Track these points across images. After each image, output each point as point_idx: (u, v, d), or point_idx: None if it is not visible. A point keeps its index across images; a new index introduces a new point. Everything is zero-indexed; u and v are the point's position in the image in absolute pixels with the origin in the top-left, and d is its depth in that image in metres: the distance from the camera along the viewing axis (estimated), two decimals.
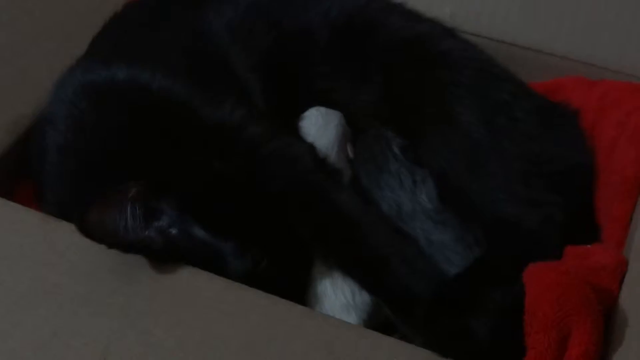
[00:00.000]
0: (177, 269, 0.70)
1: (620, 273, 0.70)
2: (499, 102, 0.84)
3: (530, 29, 0.99)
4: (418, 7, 0.96)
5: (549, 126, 0.85)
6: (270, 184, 0.77)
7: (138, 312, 0.67)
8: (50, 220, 0.73)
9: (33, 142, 0.82)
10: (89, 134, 0.78)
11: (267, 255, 0.74)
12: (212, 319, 0.67)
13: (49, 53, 0.90)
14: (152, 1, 0.96)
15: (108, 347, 0.65)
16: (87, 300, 0.68)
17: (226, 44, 0.89)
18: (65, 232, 0.71)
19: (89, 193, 0.69)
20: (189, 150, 0.76)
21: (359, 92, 0.91)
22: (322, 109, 0.89)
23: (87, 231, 0.67)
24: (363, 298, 0.77)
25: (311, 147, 0.84)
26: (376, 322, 0.76)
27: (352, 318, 0.76)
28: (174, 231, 0.72)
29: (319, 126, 0.87)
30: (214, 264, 0.72)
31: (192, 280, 0.69)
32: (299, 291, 0.77)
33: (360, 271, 0.76)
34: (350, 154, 0.89)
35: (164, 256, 0.71)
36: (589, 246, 0.74)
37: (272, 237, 0.76)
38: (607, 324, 0.66)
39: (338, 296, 0.77)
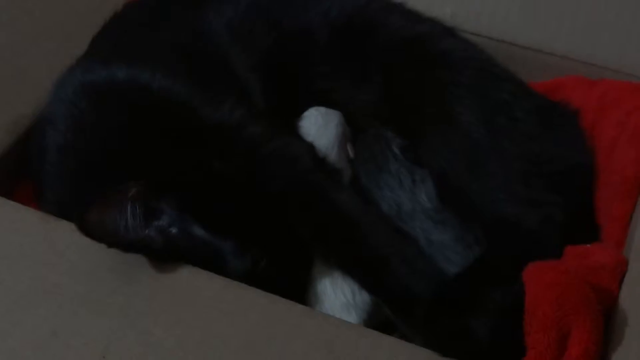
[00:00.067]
0: (177, 268, 0.70)
1: (620, 273, 0.70)
2: (499, 102, 0.84)
3: (530, 29, 0.99)
4: (418, 6, 0.96)
5: (549, 126, 0.85)
6: (270, 184, 0.77)
7: (138, 312, 0.67)
8: (50, 219, 0.73)
9: (33, 141, 0.82)
10: (89, 134, 0.78)
11: (266, 255, 0.74)
12: (211, 318, 0.67)
13: (49, 53, 0.90)
14: (152, 1, 0.96)
15: (108, 346, 0.65)
16: (87, 299, 0.68)
17: (226, 43, 0.89)
18: (65, 232, 0.71)
19: (89, 192, 0.69)
20: (188, 149, 0.76)
21: (359, 92, 0.91)
22: (322, 109, 0.89)
23: (87, 230, 0.67)
24: (363, 297, 0.77)
25: (311, 147, 0.84)
26: (376, 321, 0.76)
27: (352, 317, 0.76)
28: (173, 230, 0.72)
29: (319, 126, 0.87)
30: (214, 263, 0.72)
31: (192, 280, 0.69)
32: (298, 290, 0.77)
33: (360, 271, 0.76)
34: (351, 154, 0.89)
35: (164, 255, 0.71)
36: (588, 246, 0.74)
37: (271, 236, 0.76)
38: (607, 323, 0.66)
39: (338, 295, 0.77)
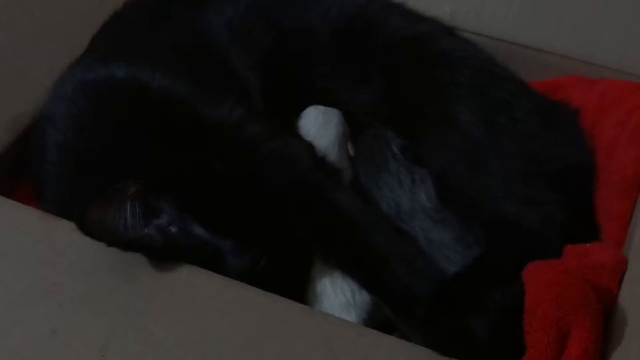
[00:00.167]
0: (177, 267, 0.70)
1: (620, 272, 0.70)
2: (499, 101, 0.84)
3: (530, 28, 0.99)
4: (418, 6, 0.96)
5: (549, 125, 0.85)
6: (269, 184, 0.77)
7: (137, 311, 0.67)
8: (50, 218, 0.73)
9: (32, 140, 0.82)
10: (89, 133, 0.78)
11: (266, 254, 0.74)
12: (211, 317, 0.67)
13: (49, 52, 0.90)
14: (152, 1, 0.96)
15: (107, 345, 0.65)
16: (86, 298, 0.68)
17: (226, 43, 0.89)
18: (65, 231, 0.71)
19: (88, 191, 0.69)
20: (188, 149, 0.76)
21: (359, 92, 0.91)
22: (321, 108, 0.89)
23: (87, 229, 0.67)
24: (363, 297, 0.77)
25: (310, 147, 0.84)
26: (376, 321, 0.76)
27: (351, 317, 0.76)
28: (173, 229, 0.72)
29: (319, 125, 0.87)
30: (214, 263, 0.72)
31: (191, 279, 0.69)
32: (298, 290, 0.77)
33: (360, 271, 0.76)
34: (351, 152, 0.89)
35: (164, 254, 0.71)
36: (588, 245, 0.74)
37: (271, 235, 0.76)
38: (607, 322, 0.66)
39: (338, 295, 0.77)
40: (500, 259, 0.75)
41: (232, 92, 0.84)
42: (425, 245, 0.80)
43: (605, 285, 0.68)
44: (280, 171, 0.79)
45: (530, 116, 0.84)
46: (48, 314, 0.67)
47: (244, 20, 0.91)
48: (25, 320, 0.67)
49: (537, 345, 0.63)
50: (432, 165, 0.83)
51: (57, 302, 0.68)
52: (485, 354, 0.66)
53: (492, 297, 0.69)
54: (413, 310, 0.71)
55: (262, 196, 0.76)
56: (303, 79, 0.91)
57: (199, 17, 0.91)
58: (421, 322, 0.69)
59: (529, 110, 0.84)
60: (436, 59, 0.88)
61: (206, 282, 0.69)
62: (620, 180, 0.81)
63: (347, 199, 0.79)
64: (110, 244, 0.68)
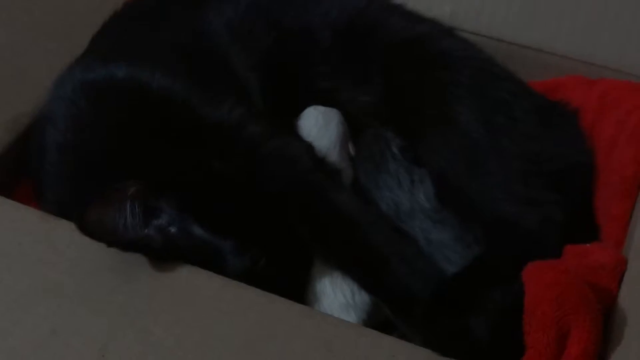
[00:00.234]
0: (177, 267, 0.70)
1: (620, 272, 0.70)
2: (499, 102, 0.84)
3: (530, 28, 0.99)
4: (418, 6, 0.96)
5: (548, 125, 0.85)
6: (269, 184, 0.77)
7: (137, 311, 0.67)
8: (50, 218, 0.73)
9: (32, 140, 0.82)
10: (89, 133, 0.78)
11: (266, 254, 0.74)
12: (211, 317, 0.67)
13: (49, 52, 0.90)
14: (152, 0, 0.96)
15: (107, 345, 0.65)
16: (86, 298, 0.68)
17: (226, 43, 0.89)
18: (65, 231, 0.71)
19: (88, 192, 0.69)
20: (188, 149, 0.76)
21: (359, 93, 0.91)
22: (321, 108, 0.89)
23: (87, 229, 0.67)
24: (362, 297, 0.77)
25: (310, 147, 0.84)
26: (375, 321, 0.76)
27: (351, 317, 0.76)
28: (173, 229, 0.72)
29: (320, 125, 0.87)
30: (213, 263, 0.72)
31: (191, 279, 0.69)
32: (298, 290, 0.77)
33: (359, 271, 0.76)
34: (352, 152, 0.89)
35: (163, 254, 0.71)
36: (588, 245, 0.74)
37: (271, 235, 0.76)
38: (606, 322, 0.66)
39: (337, 295, 0.77)
40: (499, 259, 0.75)
41: (232, 92, 0.84)
42: (425, 246, 0.80)
43: (605, 286, 0.68)
44: (280, 171, 0.79)
45: (530, 116, 0.84)
46: (48, 314, 0.67)
47: (244, 20, 0.91)
48: (25, 320, 0.67)
49: (537, 346, 0.63)
50: (432, 166, 0.83)
51: (57, 302, 0.68)
52: (485, 354, 0.66)
53: (492, 297, 0.69)
54: (413, 311, 0.71)
55: (261, 196, 0.76)
56: (303, 79, 0.92)
57: (199, 17, 0.91)
58: (421, 322, 0.69)
59: (529, 111, 0.84)
60: (436, 60, 0.88)
61: (206, 282, 0.69)
62: (620, 180, 0.81)
63: (346, 199, 0.79)
64: (110, 244, 0.68)
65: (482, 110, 0.83)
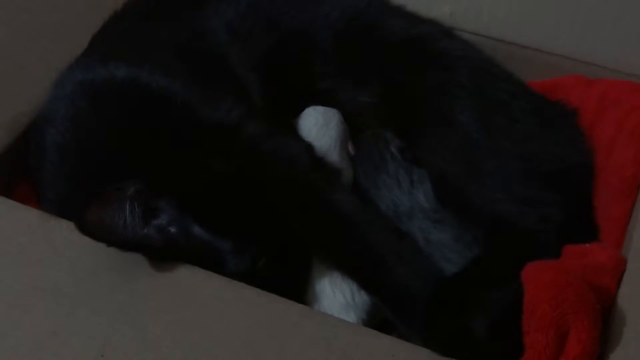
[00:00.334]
0: (176, 267, 0.70)
1: (619, 272, 0.70)
2: (498, 102, 0.84)
3: (529, 28, 0.99)
4: (418, 6, 0.96)
5: (547, 126, 0.85)
6: (268, 184, 0.77)
7: (137, 310, 0.67)
8: (50, 218, 0.73)
9: (32, 140, 0.82)
10: (88, 133, 0.78)
11: (265, 254, 0.74)
12: (210, 317, 0.67)
13: (48, 51, 0.90)
14: (152, 0, 0.96)
15: (106, 345, 0.65)
16: (86, 298, 0.68)
17: (226, 43, 0.89)
18: (64, 231, 0.71)
19: (88, 192, 0.69)
20: (187, 149, 0.76)
21: (359, 93, 0.91)
22: (320, 108, 0.89)
23: (86, 229, 0.67)
24: (362, 297, 0.77)
25: (309, 147, 0.84)
26: (375, 321, 0.76)
27: (350, 317, 0.76)
28: (172, 229, 0.72)
29: (320, 125, 0.87)
30: (213, 262, 0.72)
31: (190, 279, 0.69)
32: (297, 290, 0.77)
33: (359, 271, 0.76)
34: (351, 152, 0.89)
35: (163, 254, 0.71)
36: (587, 245, 0.74)
37: (270, 235, 0.76)
38: (606, 322, 0.66)
39: (337, 295, 0.77)
40: (499, 259, 0.75)
41: (231, 92, 0.84)
42: (424, 246, 0.80)
43: (604, 286, 0.68)
44: (280, 171, 0.79)
45: (529, 117, 0.84)
46: (48, 314, 0.67)
47: (244, 21, 0.91)
48: (24, 320, 0.67)
49: (536, 345, 0.63)
50: (431, 166, 0.83)
51: (56, 302, 0.68)
52: (484, 354, 0.66)
53: (491, 297, 0.69)
54: (412, 311, 0.71)
55: (261, 196, 0.76)
56: (303, 80, 0.92)
57: (199, 17, 0.91)
58: (420, 322, 0.69)
59: (528, 111, 0.84)
60: (435, 60, 0.88)
61: (206, 282, 0.69)
62: (619, 181, 0.81)
63: (346, 199, 0.79)
64: (109, 244, 0.68)
65: (481, 111, 0.83)
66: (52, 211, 0.75)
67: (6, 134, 0.83)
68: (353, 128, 0.91)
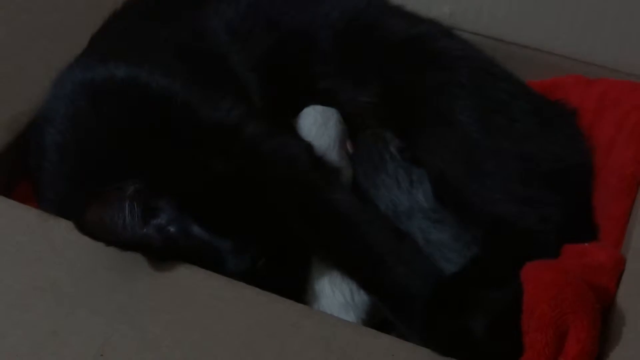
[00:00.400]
0: (176, 267, 0.70)
1: (618, 271, 0.70)
2: (497, 102, 0.85)
3: (529, 28, 0.99)
4: (418, 5, 0.96)
5: (547, 125, 0.85)
6: (268, 183, 0.77)
7: (136, 310, 0.67)
8: (49, 218, 0.73)
9: (31, 140, 0.82)
10: (88, 132, 0.78)
11: (265, 254, 0.74)
12: (210, 316, 0.67)
13: (48, 51, 0.90)
14: (152, 0, 0.96)
15: (106, 345, 0.65)
16: (85, 297, 0.68)
17: (226, 43, 0.90)
18: (64, 230, 0.71)
19: (87, 191, 0.69)
20: (187, 149, 0.76)
21: (358, 93, 0.91)
22: (319, 107, 0.89)
23: (86, 229, 0.67)
24: (361, 297, 0.77)
25: (309, 146, 0.84)
26: (374, 321, 0.76)
27: (350, 317, 0.76)
28: (172, 229, 0.72)
29: (319, 125, 0.88)
30: (213, 262, 0.72)
31: (190, 278, 0.69)
32: (297, 289, 0.77)
33: (358, 270, 0.76)
34: (350, 150, 0.89)
35: (163, 254, 0.71)
36: (586, 245, 0.74)
37: (270, 235, 0.76)
38: (605, 322, 0.66)
39: (336, 295, 0.77)
40: (498, 259, 0.75)
41: (231, 92, 0.84)
42: (424, 246, 0.80)
43: (604, 285, 0.68)
44: (279, 171, 0.79)
45: (529, 116, 0.84)
46: (47, 314, 0.67)
47: (244, 21, 0.91)
48: (24, 319, 0.67)
49: (536, 345, 0.63)
50: (431, 166, 0.83)
51: (56, 301, 0.68)
52: (484, 354, 0.66)
53: (491, 297, 0.69)
54: (411, 310, 0.71)
55: (260, 196, 0.76)
56: (303, 80, 0.92)
57: (199, 17, 0.91)
58: (420, 322, 0.69)
59: (528, 111, 0.84)
60: (435, 60, 0.88)
61: (206, 282, 0.69)
62: (619, 180, 0.81)
63: (345, 198, 0.79)
64: (109, 243, 0.68)
65: (481, 111, 0.83)
66: (52, 211, 0.75)
67: (6, 134, 0.83)
68: (353, 128, 0.91)
